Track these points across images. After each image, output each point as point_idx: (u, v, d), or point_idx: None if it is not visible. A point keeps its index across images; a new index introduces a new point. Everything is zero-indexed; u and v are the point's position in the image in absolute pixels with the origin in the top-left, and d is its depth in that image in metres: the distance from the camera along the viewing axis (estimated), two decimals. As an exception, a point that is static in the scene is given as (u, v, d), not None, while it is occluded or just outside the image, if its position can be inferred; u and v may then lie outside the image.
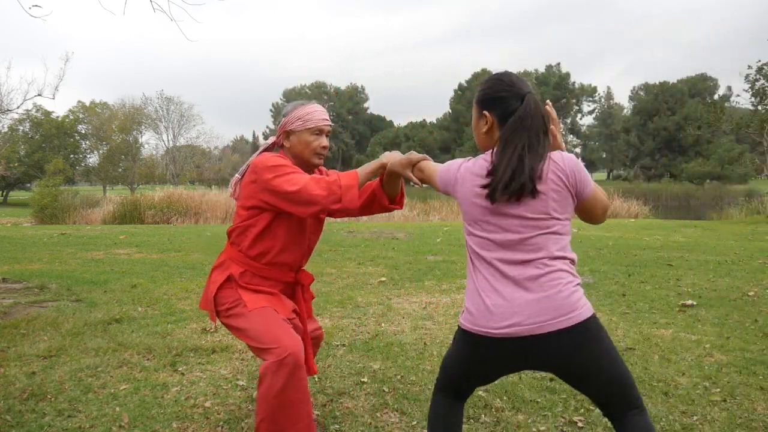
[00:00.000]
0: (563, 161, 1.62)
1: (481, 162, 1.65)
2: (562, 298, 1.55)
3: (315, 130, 2.19)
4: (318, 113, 2.20)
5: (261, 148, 2.30)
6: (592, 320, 1.57)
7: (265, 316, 2.10)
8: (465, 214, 1.68)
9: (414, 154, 1.99)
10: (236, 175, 2.27)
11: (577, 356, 1.55)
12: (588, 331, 1.56)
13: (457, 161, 1.74)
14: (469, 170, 1.67)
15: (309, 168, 2.23)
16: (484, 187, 1.59)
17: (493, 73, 1.76)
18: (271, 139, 2.30)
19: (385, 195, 2.24)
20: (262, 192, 2.09)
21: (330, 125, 2.23)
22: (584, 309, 1.57)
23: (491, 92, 1.68)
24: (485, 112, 1.68)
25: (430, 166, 1.90)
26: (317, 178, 2.03)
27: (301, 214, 2.08)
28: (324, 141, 2.21)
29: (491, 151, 1.64)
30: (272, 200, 2.07)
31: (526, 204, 1.58)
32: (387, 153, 2.14)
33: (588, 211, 1.72)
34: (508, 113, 1.63)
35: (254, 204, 2.14)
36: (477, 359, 1.65)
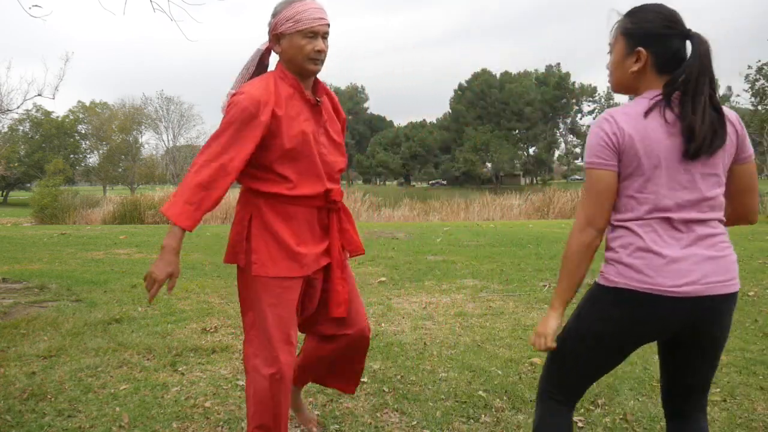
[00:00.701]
0: (731, 115, 1.48)
1: (658, 111, 1.43)
2: (731, 261, 1.47)
3: (308, 33, 1.89)
4: (311, 12, 1.89)
5: (256, 56, 2.04)
6: (737, 296, 1.51)
7: (272, 306, 1.94)
8: (644, 167, 1.43)
9: None
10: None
11: (719, 324, 1.48)
12: (735, 302, 1.50)
13: (601, 126, 1.46)
14: (640, 119, 1.43)
15: (306, 75, 1.97)
16: (682, 143, 1.41)
17: (648, 3, 1.51)
18: (265, 44, 2.03)
19: None
20: None
21: (327, 25, 1.93)
22: (738, 280, 1.49)
23: (651, 27, 1.46)
24: (640, 49, 1.47)
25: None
26: (209, 171, 1.79)
27: None
28: (319, 44, 1.91)
29: (660, 97, 1.44)
30: None
31: (707, 161, 1.43)
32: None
33: (745, 190, 1.54)
34: (669, 54, 1.45)
35: None
36: (633, 322, 1.47)
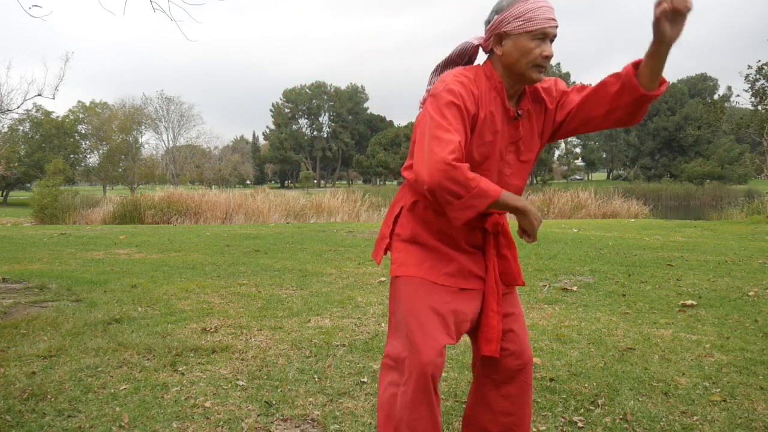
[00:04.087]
0: None
1: None
2: None
3: (538, 34, 1.64)
4: (545, 10, 1.65)
5: (464, 49, 1.81)
6: None
7: (413, 297, 1.74)
8: None
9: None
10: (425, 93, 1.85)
11: None
12: None
13: None
14: None
15: (524, 83, 1.73)
16: None
17: None
18: (476, 40, 1.79)
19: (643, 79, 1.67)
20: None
21: (557, 27, 1.68)
22: None
23: None
24: None
25: None
26: (458, 166, 1.54)
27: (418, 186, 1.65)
28: (548, 49, 1.66)
29: None
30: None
31: None
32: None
33: None
34: None
35: None
36: None
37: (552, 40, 1.69)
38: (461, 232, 1.79)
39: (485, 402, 1.98)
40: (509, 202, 1.61)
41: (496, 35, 1.71)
